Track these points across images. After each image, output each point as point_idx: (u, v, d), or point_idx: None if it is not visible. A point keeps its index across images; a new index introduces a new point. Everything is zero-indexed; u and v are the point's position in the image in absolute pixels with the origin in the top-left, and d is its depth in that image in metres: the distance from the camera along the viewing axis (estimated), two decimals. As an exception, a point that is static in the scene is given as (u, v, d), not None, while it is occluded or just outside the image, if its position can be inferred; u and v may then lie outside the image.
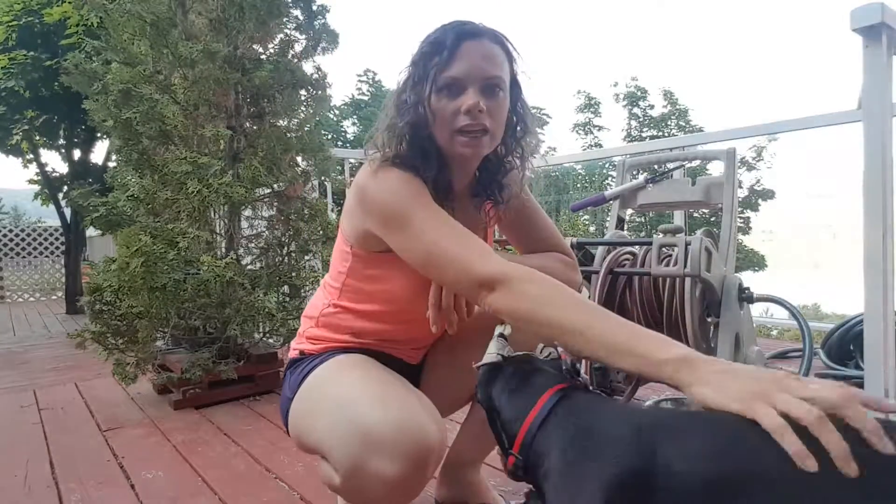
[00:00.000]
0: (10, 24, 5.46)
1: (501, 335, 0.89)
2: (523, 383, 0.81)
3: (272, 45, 2.71)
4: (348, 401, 0.97)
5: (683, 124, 23.66)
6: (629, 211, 1.99)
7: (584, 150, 21.56)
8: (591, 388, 0.83)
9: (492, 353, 0.87)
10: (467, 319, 1.06)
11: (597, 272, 1.70)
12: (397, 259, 0.99)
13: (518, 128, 1.07)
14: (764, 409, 0.60)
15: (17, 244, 8.82)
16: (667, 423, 0.69)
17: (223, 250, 2.56)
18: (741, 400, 0.62)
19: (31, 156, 6.78)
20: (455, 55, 0.95)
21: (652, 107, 24.33)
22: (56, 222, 7.64)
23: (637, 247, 1.77)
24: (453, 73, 0.96)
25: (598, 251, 1.78)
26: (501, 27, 1.01)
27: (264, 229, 2.66)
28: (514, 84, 1.03)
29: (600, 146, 23.70)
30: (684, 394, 0.69)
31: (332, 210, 3.54)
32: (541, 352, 0.87)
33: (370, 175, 0.99)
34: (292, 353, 1.19)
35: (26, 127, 5.86)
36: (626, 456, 0.64)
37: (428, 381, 1.23)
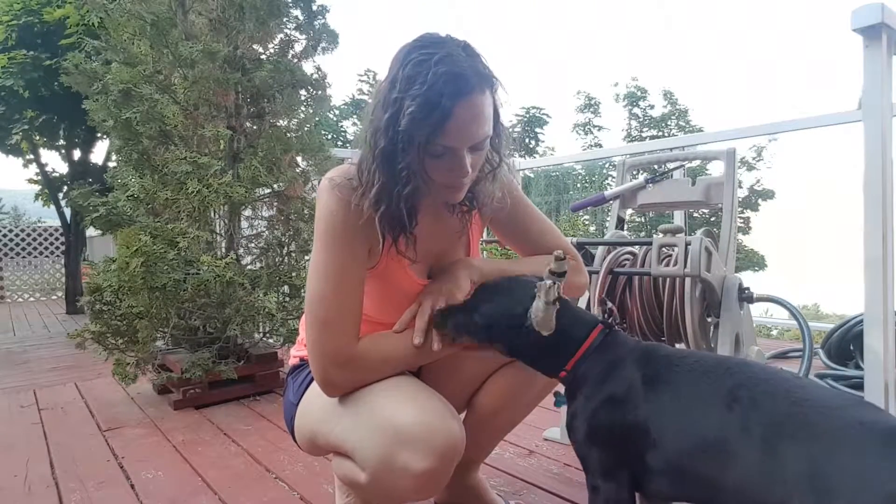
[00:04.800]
0: (10, 23, 5.45)
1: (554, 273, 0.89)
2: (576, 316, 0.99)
3: (272, 45, 2.71)
4: (372, 400, 0.97)
5: (683, 124, 23.66)
6: (629, 211, 1.99)
7: (584, 150, 21.55)
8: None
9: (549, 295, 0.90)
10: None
11: (597, 272, 1.70)
12: (374, 271, 1.02)
13: (492, 155, 1.02)
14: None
15: (17, 244, 8.83)
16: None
17: (223, 250, 2.56)
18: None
19: (31, 156, 6.77)
20: (449, 123, 0.88)
21: (652, 107, 24.33)
22: (56, 222, 7.64)
23: (637, 247, 1.77)
24: (447, 143, 0.90)
25: (598, 251, 1.78)
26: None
27: (264, 229, 2.66)
28: (496, 114, 0.97)
29: (600, 146, 23.69)
30: None
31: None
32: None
33: (326, 187, 1.00)
34: (293, 360, 1.20)
35: (26, 127, 5.85)
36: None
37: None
